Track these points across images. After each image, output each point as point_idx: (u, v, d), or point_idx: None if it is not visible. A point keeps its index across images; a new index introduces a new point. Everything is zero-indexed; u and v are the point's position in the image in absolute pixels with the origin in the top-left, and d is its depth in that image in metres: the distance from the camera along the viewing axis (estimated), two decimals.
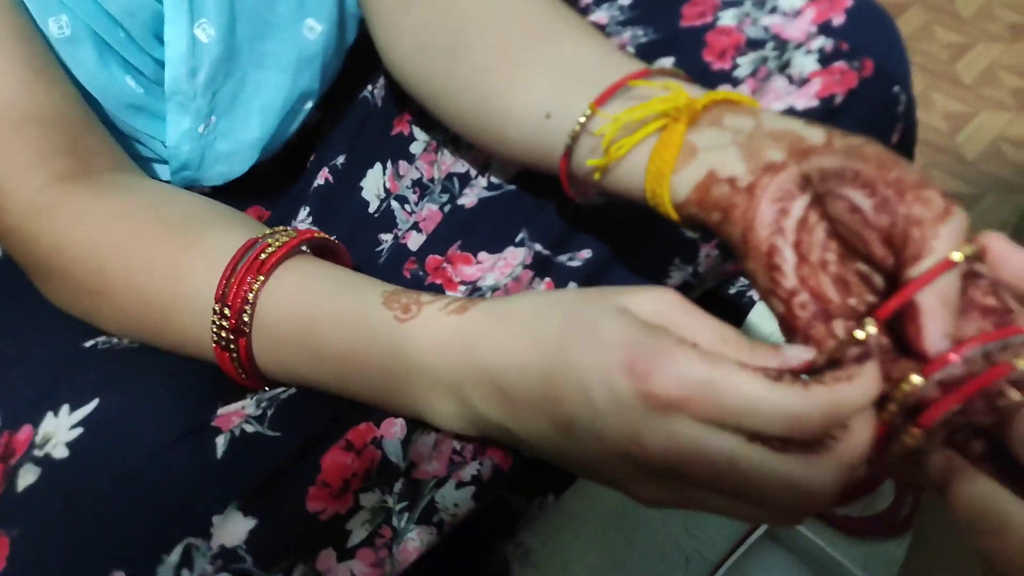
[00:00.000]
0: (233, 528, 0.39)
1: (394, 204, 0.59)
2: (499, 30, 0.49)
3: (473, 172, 0.59)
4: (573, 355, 0.34)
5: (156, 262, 0.43)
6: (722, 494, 0.32)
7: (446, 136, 0.62)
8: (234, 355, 0.41)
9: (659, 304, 0.35)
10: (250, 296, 0.40)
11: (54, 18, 0.47)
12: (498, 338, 0.37)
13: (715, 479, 0.32)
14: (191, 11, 0.50)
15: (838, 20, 0.64)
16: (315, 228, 0.56)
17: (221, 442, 0.41)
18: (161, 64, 0.51)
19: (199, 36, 0.51)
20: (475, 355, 0.37)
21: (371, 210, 0.59)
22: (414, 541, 0.42)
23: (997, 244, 0.33)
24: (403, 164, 0.62)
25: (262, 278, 0.40)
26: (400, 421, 0.43)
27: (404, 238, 0.56)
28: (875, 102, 0.63)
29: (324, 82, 0.59)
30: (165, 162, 0.56)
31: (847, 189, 0.35)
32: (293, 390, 0.44)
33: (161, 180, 0.56)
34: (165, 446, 0.39)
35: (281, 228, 0.43)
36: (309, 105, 0.59)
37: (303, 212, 0.60)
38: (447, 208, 0.57)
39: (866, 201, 0.35)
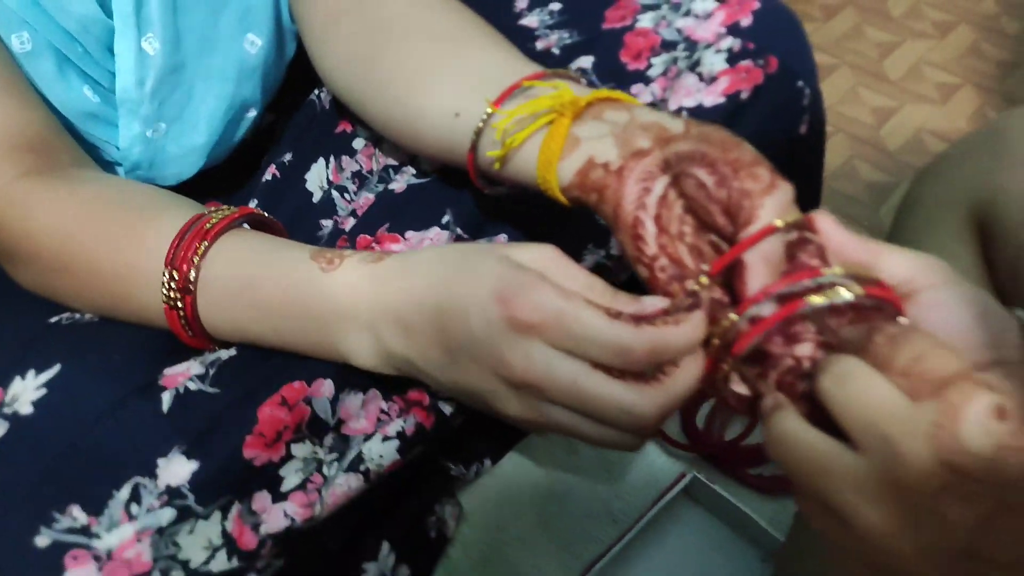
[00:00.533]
0: (177, 470, 0.44)
1: (335, 194, 0.64)
2: (416, 40, 0.55)
3: (406, 162, 0.64)
4: (456, 289, 0.40)
5: (114, 238, 0.49)
6: (572, 412, 0.39)
7: None
8: (181, 312, 0.47)
9: (538, 255, 0.41)
10: (195, 259, 0.46)
11: (16, 34, 0.52)
12: (403, 282, 0.43)
13: (563, 397, 0.38)
14: (138, 26, 0.55)
15: (745, 21, 0.70)
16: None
17: (167, 397, 0.46)
18: (113, 76, 0.56)
19: (146, 49, 0.56)
20: (385, 297, 0.44)
21: (315, 200, 0.64)
22: (342, 486, 0.48)
23: (823, 222, 0.38)
24: (345, 158, 0.67)
25: (206, 243, 0.46)
26: (328, 382, 0.48)
27: (343, 223, 0.62)
28: (780, 96, 0.69)
29: (266, 91, 0.64)
30: (118, 164, 0.61)
31: (695, 168, 0.42)
32: (233, 352, 0.49)
33: None
34: (116, 401, 0.45)
35: (225, 207, 0.49)
36: (252, 113, 0.64)
37: (252, 204, 0.65)
38: (377, 195, 0.62)
39: (709, 178, 0.41)
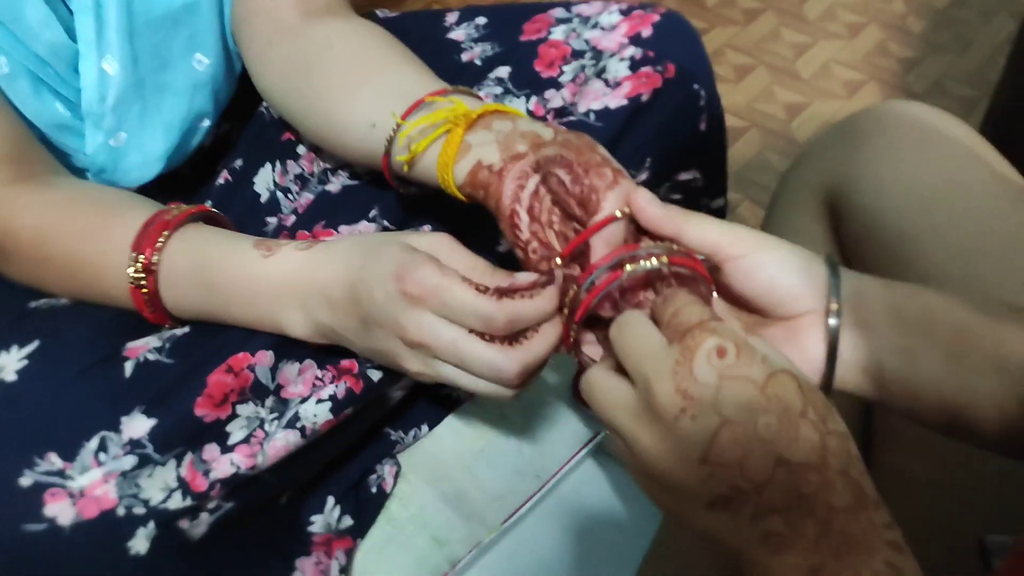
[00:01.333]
0: (137, 425, 0.53)
1: (279, 194, 0.72)
2: (342, 60, 0.64)
3: (343, 165, 0.72)
4: (365, 270, 0.50)
5: (87, 232, 0.58)
6: (455, 368, 0.49)
7: None
8: (145, 291, 0.56)
9: (432, 240, 0.51)
10: (158, 244, 0.55)
11: None
12: (327, 265, 0.53)
13: (446, 355, 0.48)
14: (99, 50, 0.63)
15: (646, 32, 0.79)
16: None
17: (129, 366, 0.55)
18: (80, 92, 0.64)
19: (106, 69, 0.64)
20: (313, 278, 0.53)
21: (262, 200, 0.73)
22: (281, 440, 0.57)
23: (638, 200, 0.48)
24: (290, 163, 0.75)
25: (167, 232, 0.55)
26: (269, 353, 0.57)
27: (285, 220, 0.70)
28: (678, 98, 0.78)
29: (217, 103, 0.72)
30: (87, 169, 0.69)
31: (557, 169, 0.52)
32: (188, 329, 0.58)
33: None
34: (86, 369, 0.53)
35: (184, 205, 0.58)
36: (206, 123, 0.72)
37: (207, 204, 0.73)
38: (316, 194, 0.71)
39: (567, 176, 0.51)
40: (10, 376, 0.52)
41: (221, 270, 0.55)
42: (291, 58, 0.66)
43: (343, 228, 0.67)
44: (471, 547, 0.69)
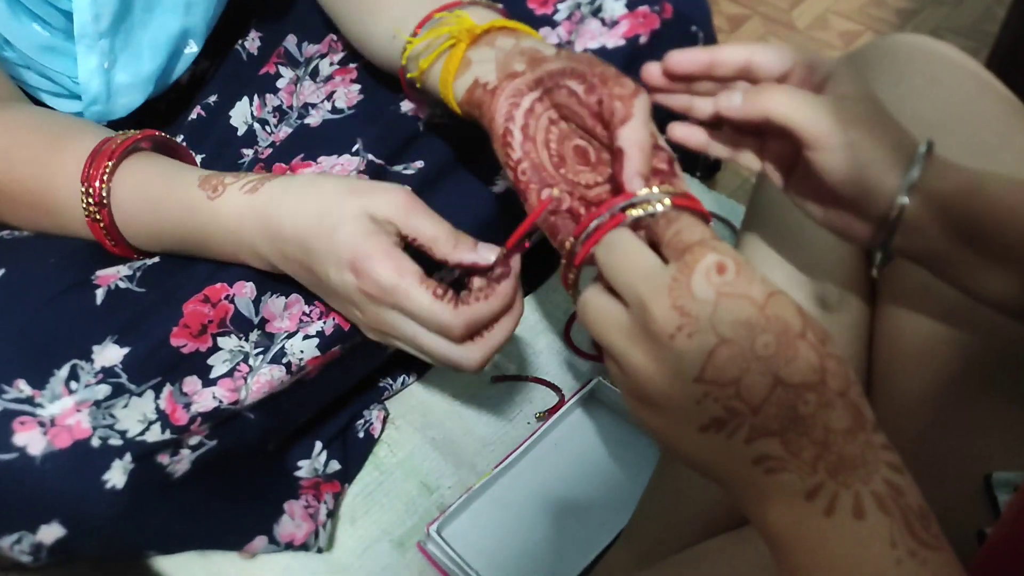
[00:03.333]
0: (110, 354, 0.51)
1: (256, 126, 0.70)
2: None
3: (323, 100, 0.70)
4: (317, 243, 0.49)
5: (38, 162, 0.55)
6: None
7: (305, 71, 0.73)
8: (101, 224, 0.54)
9: (391, 206, 0.49)
10: (104, 176, 0.53)
11: None
12: (274, 216, 0.51)
13: (407, 344, 0.50)
14: None
15: None
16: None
17: (100, 294, 0.53)
18: (64, 14, 0.60)
19: None
20: (260, 225, 0.52)
21: (239, 133, 0.70)
22: (266, 375, 0.55)
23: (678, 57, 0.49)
24: (269, 96, 0.72)
25: (111, 162, 0.53)
26: (250, 284, 0.55)
27: (262, 153, 0.68)
28: (675, 40, 0.76)
29: (206, 24, 0.68)
30: (76, 97, 0.65)
31: (567, 80, 0.49)
32: (158, 259, 0.56)
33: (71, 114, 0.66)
34: (56, 295, 0.51)
35: (131, 130, 0.56)
36: (193, 49, 0.69)
37: (179, 139, 0.70)
38: (295, 127, 0.68)
39: (579, 87, 0.49)
40: None
41: (169, 210, 0.54)
42: None
43: (322, 159, 0.65)
44: (461, 493, 0.67)
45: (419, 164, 0.66)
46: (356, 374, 0.71)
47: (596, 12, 0.74)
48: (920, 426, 0.54)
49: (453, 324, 0.48)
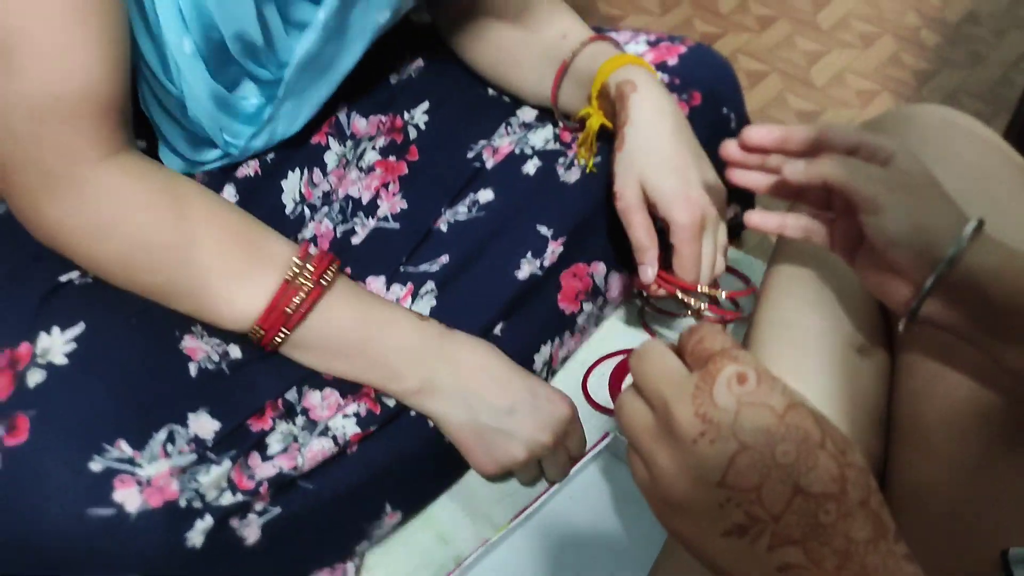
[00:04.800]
0: (203, 424, 0.54)
1: (305, 211, 0.71)
2: None
3: (365, 199, 0.71)
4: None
5: (239, 236, 0.58)
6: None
7: (353, 153, 0.75)
8: (301, 296, 0.57)
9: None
10: (331, 267, 0.59)
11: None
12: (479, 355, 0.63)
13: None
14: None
15: (672, 62, 0.79)
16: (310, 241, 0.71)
17: (193, 367, 0.56)
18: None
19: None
20: (483, 353, 0.63)
21: (287, 211, 0.71)
22: (317, 446, 0.58)
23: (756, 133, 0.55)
24: (317, 173, 0.73)
25: (335, 265, 0.59)
26: (293, 391, 0.60)
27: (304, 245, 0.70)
28: (708, 124, 0.78)
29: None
30: (212, 146, 0.68)
31: None
32: (238, 349, 0.59)
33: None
34: (149, 361, 0.53)
35: (306, 266, 0.58)
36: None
37: (230, 189, 0.70)
38: (339, 229, 0.70)
39: None
40: (60, 360, 0.52)
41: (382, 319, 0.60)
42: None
43: (370, 280, 0.68)
44: (477, 546, 0.68)
45: (444, 259, 0.68)
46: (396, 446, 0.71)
47: None
48: (941, 496, 0.54)
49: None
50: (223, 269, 0.54)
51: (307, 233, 0.70)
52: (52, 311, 0.54)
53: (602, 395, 0.79)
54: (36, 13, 0.47)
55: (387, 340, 0.59)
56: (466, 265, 0.69)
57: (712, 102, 0.79)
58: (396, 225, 0.70)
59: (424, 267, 0.68)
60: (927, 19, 1.57)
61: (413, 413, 0.64)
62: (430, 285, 0.67)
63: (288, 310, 0.56)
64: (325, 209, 0.71)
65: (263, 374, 0.59)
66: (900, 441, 0.59)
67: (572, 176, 0.74)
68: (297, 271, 0.56)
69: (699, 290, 0.66)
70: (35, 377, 0.51)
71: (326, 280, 0.57)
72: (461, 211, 0.71)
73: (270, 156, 0.73)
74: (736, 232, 1.01)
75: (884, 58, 1.49)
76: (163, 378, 0.54)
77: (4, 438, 0.49)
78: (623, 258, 0.76)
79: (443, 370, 0.60)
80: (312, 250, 0.58)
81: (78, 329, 0.53)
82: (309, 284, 0.56)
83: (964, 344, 0.51)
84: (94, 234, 0.53)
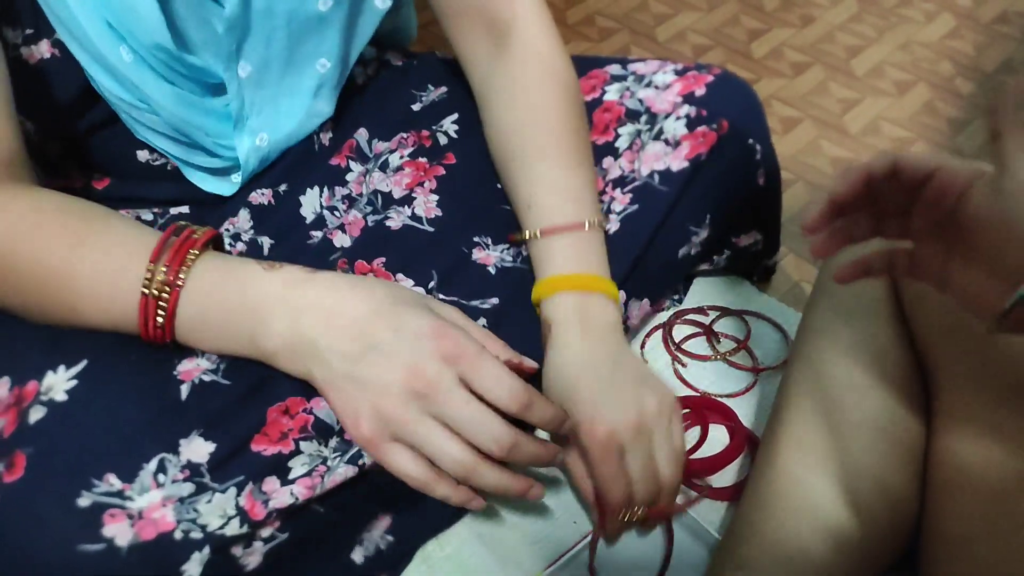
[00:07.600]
0: (196, 448, 0.53)
1: (326, 212, 0.73)
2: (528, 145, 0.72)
3: (396, 194, 0.73)
4: (398, 306, 0.57)
5: (60, 244, 0.55)
6: (440, 439, 0.57)
7: (375, 165, 0.77)
8: (162, 305, 0.54)
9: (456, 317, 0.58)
10: (190, 259, 0.55)
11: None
12: (338, 292, 0.56)
13: (456, 411, 0.56)
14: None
15: (699, 92, 0.80)
16: (249, 230, 0.71)
17: (185, 388, 0.55)
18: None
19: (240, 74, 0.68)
20: (318, 295, 0.56)
21: (307, 221, 0.74)
22: (341, 473, 0.57)
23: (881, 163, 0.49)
24: (338, 188, 0.76)
25: (195, 251, 0.55)
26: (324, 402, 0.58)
27: (331, 235, 0.71)
28: (733, 154, 0.79)
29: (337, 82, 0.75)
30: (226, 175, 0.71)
31: None
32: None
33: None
34: (141, 392, 0.54)
35: (196, 227, 0.58)
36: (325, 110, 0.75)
37: (244, 214, 0.73)
38: (371, 219, 0.71)
39: None
40: (61, 396, 0.52)
41: (235, 292, 0.55)
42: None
43: (401, 279, 0.68)
44: None
45: (494, 300, 0.69)
46: None
47: (657, 136, 0.78)
48: (981, 548, 0.53)
49: (518, 391, 0.55)
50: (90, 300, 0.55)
51: (330, 226, 0.72)
52: (61, 348, 0.55)
53: None
54: None
55: (246, 305, 0.56)
56: (510, 311, 0.70)
57: (738, 132, 0.80)
58: (431, 229, 0.72)
59: (476, 303, 0.69)
60: (961, 67, 1.57)
61: None
62: (481, 321, 0.69)
63: (159, 319, 0.55)
64: (347, 206, 0.74)
65: (269, 370, 0.57)
66: (939, 491, 0.58)
67: (611, 227, 0.75)
68: (149, 279, 0.54)
69: (635, 511, 0.66)
70: (36, 414, 0.52)
71: (181, 281, 0.54)
72: (507, 258, 0.72)
73: (283, 187, 0.75)
74: (767, 275, 1.01)
75: (918, 106, 1.49)
76: (153, 406, 0.53)
77: (3, 475, 0.50)
78: (640, 288, 0.78)
79: (282, 325, 0.55)
80: (172, 239, 0.56)
81: (81, 366, 0.54)
82: (167, 289, 0.54)
83: (1002, 417, 0.50)
84: None
